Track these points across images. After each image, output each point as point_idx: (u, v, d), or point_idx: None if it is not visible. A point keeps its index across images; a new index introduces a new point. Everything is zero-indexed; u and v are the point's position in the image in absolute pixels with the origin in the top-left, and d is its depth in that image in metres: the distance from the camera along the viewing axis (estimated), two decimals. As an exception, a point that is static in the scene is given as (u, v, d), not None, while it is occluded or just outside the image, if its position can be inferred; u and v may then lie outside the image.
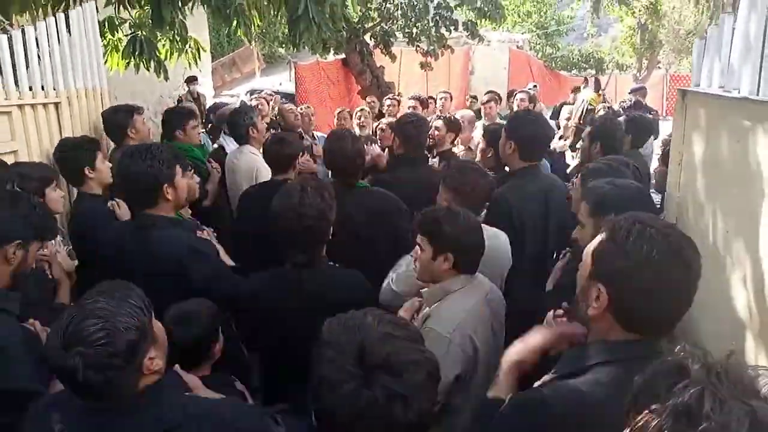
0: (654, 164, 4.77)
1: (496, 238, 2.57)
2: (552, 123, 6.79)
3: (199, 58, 5.65)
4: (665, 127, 6.81)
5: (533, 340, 1.56)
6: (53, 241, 2.64)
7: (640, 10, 20.51)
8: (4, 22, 3.74)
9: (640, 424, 0.82)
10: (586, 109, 6.35)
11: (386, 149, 4.54)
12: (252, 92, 10.63)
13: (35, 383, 1.66)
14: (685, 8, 19.91)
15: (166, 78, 5.11)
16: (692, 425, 0.75)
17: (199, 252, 2.33)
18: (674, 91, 18.75)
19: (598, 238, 1.39)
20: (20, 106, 3.00)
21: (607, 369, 1.30)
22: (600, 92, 7.82)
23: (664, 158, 3.24)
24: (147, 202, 2.31)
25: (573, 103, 8.60)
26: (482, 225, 2.26)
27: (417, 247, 2.15)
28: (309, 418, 1.25)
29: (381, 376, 1.08)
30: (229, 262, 2.60)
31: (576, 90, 9.71)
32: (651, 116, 5.93)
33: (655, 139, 5.60)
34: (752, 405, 0.75)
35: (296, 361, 2.13)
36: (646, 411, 0.82)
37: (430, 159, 4.31)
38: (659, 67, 21.68)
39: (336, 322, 1.19)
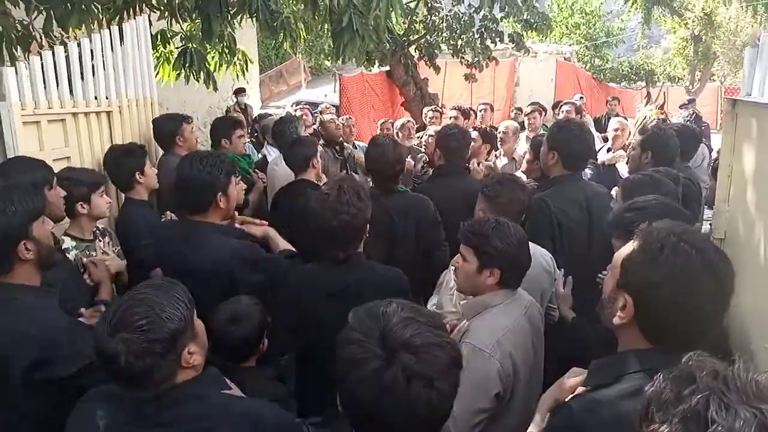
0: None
1: (533, 253, 2.54)
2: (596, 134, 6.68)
3: (247, 69, 5.79)
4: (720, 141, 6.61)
5: (569, 382, 1.54)
6: (101, 243, 2.74)
7: (693, 21, 19.96)
8: (62, 35, 3.93)
9: None
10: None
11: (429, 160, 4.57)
12: (298, 103, 10.83)
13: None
14: (741, 19, 19.25)
15: (215, 89, 5.25)
16: (700, 430, 0.76)
17: (244, 260, 2.38)
18: (729, 104, 18.14)
19: (630, 246, 1.37)
20: (74, 114, 3.12)
21: (637, 379, 1.28)
22: (663, 108, 7.68)
23: (715, 172, 3.13)
24: (199, 207, 2.39)
25: (610, 114, 8.49)
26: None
27: (459, 256, 2.12)
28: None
29: (402, 356, 1.09)
30: (284, 244, 2.68)
31: (612, 100, 9.54)
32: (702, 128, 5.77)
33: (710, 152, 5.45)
34: (760, 408, 0.75)
35: (332, 359, 2.17)
36: (657, 419, 0.82)
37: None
38: (713, 80, 21.03)
39: (361, 309, 1.22)
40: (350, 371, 1.12)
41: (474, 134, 4.50)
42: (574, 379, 1.51)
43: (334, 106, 12.16)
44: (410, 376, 1.08)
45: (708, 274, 1.25)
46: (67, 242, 2.61)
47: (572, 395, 1.43)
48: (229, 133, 4.04)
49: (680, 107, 8.61)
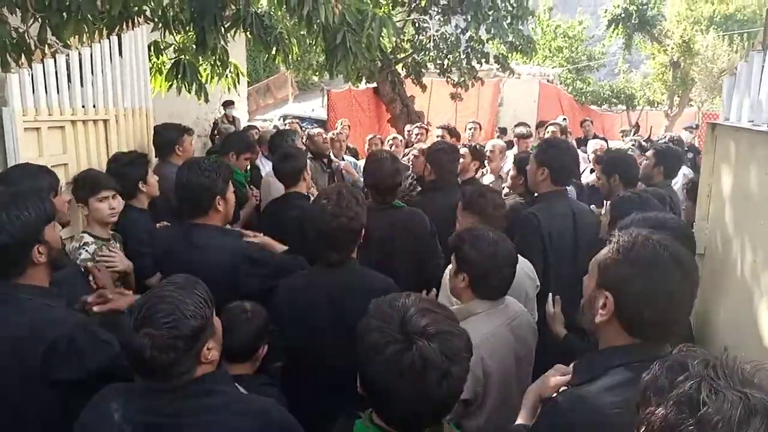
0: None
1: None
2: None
3: (238, 82, 5.85)
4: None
5: (553, 380, 1.63)
6: (114, 245, 2.78)
7: (672, 48, 20.46)
8: (58, 44, 3.97)
9: (649, 415, 0.90)
10: None
11: (417, 177, 4.63)
12: (285, 117, 10.89)
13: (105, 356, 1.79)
14: (718, 47, 19.80)
15: (207, 101, 5.31)
16: (692, 412, 0.84)
17: (251, 260, 2.47)
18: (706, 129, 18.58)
19: (604, 250, 1.50)
20: (73, 122, 3.17)
21: (618, 372, 1.39)
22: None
23: (689, 193, 3.29)
24: (200, 211, 2.47)
25: (587, 136, 8.79)
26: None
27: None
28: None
29: (419, 342, 1.19)
30: (281, 247, 2.75)
31: (585, 122, 9.95)
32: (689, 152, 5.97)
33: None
34: (745, 392, 0.83)
35: (321, 361, 2.21)
36: (654, 403, 0.90)
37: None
38: (691, 105, 21.51)
39: (381, 300, 1.32)
40: (372, 356, 1.21)
41: (463, 151, 4.58)
42: (558, 378, 1.60)
43: (321, 120, 12.27)
44: (426, 360, 1.17)
45: (675, 265, 1.38)
46: (86, 238, 2.68)
47: (558, 391, 1.52)
48: (240, 152, 4.20)
49: (685, 129, 9.05)
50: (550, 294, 2.58)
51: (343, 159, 6.33)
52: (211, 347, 1.52)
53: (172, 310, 1.41)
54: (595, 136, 9.34)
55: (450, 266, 2.30)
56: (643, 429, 0.91)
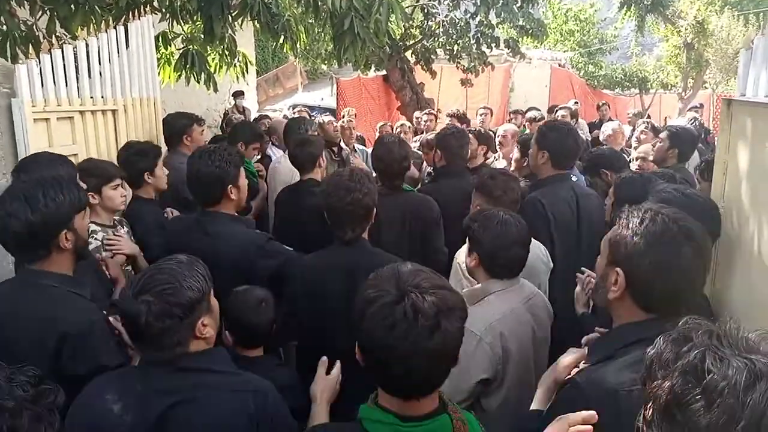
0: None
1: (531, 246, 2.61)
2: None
3: (247, 72, 5.83)
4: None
5: (566, 361, 1.63)
6: (121, 231, 2.79)
7: (686, 29, 20.12)
8: (66, 36, 3.97)
9: (655, 389, 0.90)
10: None
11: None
12: (295, 106, 10.89)
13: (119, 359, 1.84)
14: (733, 27, 19.44)
15: (216, 90, 5.29)
16: (698, 380, 0.84)
17: (262, 250, 2.50)
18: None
19: (614, 228, 1.50)
20: (81, 113, 3.17)
21: (636, 349, 1.36)
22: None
23: (704, 173, 3.22)
24: (213, 199, 2.50)
25: (603, 120, 8.68)
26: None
27: None
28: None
29: (412, 293, 1.21)
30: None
31: (603, 105, 9.79)
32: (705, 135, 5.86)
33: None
34: (750, 358, 0.84)
35: (335, 339, 2.18)
36: (660, 376, 0.90)
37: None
38: (705, 87, 21.17)
39: (382, 268, 1.35)
40: (364, 309, 1.23)
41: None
42: (570, 357, 1.60)
43: (330, 109, 12.25)
44: (418, 310, 1.19)
45: (686, 240, 1.38)
46: (93, 227, 2.66)
47: (577, 371, 1.50)
48: (248, 142, 4.18)
49: (689, 110, 8.85)
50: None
51: (354, 149, 6.31)
52: (207, 323, 1.55)
53: (170, 279, 1.46)
54: (609, 120, 9.26)
55: (463, 248, 2.30)
56: (650, 404, 0.91)
